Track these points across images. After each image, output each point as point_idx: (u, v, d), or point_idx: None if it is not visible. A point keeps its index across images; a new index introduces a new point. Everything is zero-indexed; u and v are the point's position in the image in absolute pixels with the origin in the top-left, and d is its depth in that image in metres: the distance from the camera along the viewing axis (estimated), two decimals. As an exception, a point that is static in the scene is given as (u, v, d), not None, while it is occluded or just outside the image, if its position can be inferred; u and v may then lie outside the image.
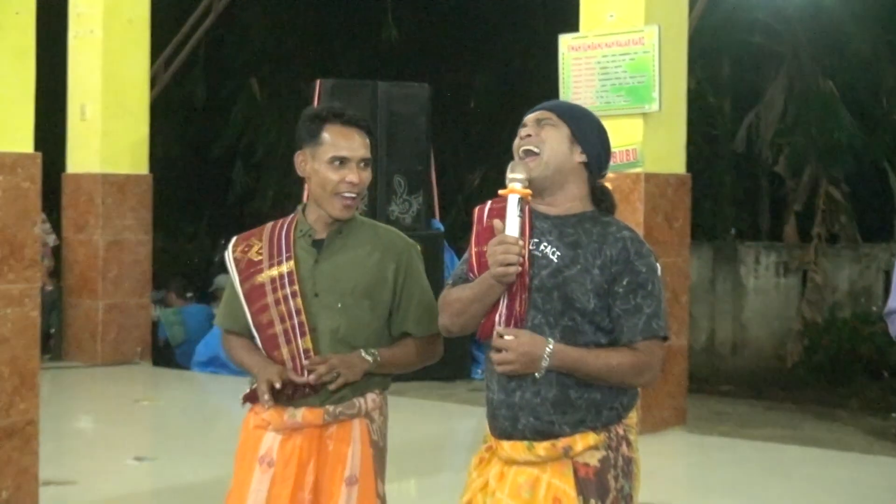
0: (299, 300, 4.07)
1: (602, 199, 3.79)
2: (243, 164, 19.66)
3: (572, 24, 10.08)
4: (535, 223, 3.66)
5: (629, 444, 3.69)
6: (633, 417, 3.75)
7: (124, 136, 13.37)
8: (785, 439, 9.96)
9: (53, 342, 13.44)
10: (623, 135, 9.51)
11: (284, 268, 4.12)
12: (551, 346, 3.53)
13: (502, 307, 3.60)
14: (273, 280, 4.12)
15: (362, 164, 4.11)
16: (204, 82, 19.84)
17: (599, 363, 3.55)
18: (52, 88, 11.40)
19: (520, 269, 3.53)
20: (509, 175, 3.59)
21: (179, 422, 10.56)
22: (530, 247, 3.62)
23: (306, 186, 4.23)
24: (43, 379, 6.82)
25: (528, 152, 3.69)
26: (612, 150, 9.56)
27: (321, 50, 19.39)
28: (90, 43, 13.29)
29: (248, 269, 4.19)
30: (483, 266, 3.64)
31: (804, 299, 15.15)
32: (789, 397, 13.41)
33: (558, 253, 3.61)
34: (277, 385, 3.99)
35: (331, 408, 4.05)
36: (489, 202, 3.81)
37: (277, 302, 4.10)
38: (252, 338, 4.20)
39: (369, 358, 4.08)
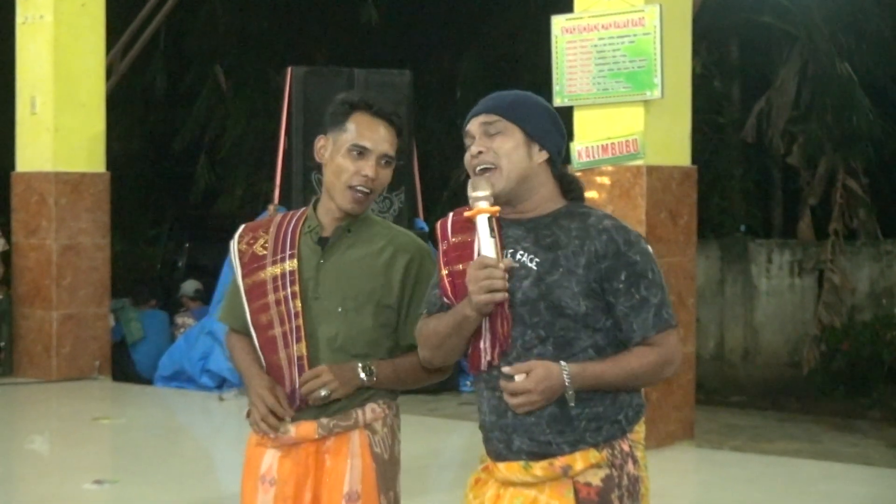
0: (298, 302, 4.09)
1: (570, 189, 3.77)
2: (208, 159, 19.67)
3: (566, 4, 10.09)
4: (506, 232, 3.67)
5: (635, 461, 3.69)
6: (639, 432, 3.75)
7: (78, 132, 13.35)
8: (801, 453, 10.00)
9: (3, 356, 13.39)
10: (623, 124, 9.53)
11: (287, 266, 4.13)
12: (568, 371, 3.52)
13: (485, 332, 3.61)
14: (275, 278, 4.14)
15: (384, 161, 4.12)
16: (164, 71, 19.86)
17: (622, 372, 3.58)
18: (-1, 80, 11.40)
19: (506, 294, 3.54)
20: (472, 194, 3.59)
21: (142, 441, 10.55)
22: (507, 258, 3.61)
23: (324, 175, 4.22)
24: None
25: (485, 170, 3.67)
26: (612, 140, 9.58)
27: (292, 34, 19.40)
28: (40, 29, 13.26)
29: (252, 264, 4.21)
30: (458, 288, 3.66)
31: (821, 301, 15.21)
32: (805, 408, 13.46)
33: (536, 259, 3.60)
34: (269, 405, 4.04)
35: (325, 420, 4.07)
36: (450, 215, 3.82)
37: (278, 302, 4.12)
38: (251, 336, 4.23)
39: (363, 375, 4.08)
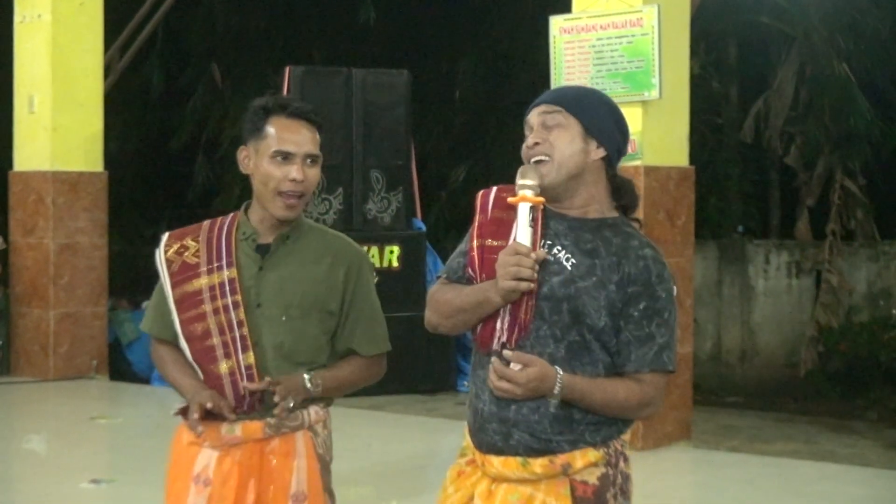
0: (241, 311, 4.05)
1: (622, 195, 3.73)
2: (206, 158, 19.66)
3: (564, 4, 10.10)
4: (549, 223, 3.64)
5: (626, 459, 3.70)
6: (628, 433, 3.75)
7: (76, 131, 13.35)
8: (798, 454, 10.00)
9: (1, 355, 13.39)
10: (620, 124, 9.53)
11: (225, 274, 4.08)
12: (561, 381, 3.52)
13: (505, 314, 3.58)
14: (212, 287, 4.08)
15: (309, 161, 4.07)
16: (162, 70, 19.85)
17: (606, 396, 3.55)
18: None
19: (532, 285, 3.52)
20: (519, 181, 3.56)
21: (139, 441, 10.54)
22: (541, 247, 3.59)
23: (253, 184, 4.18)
24: (-10, 395, 6.82)
25: (539, 161, 3.63)
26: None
27: (290, 33, 19.40)
28: (38, 28, 13.26)
29: (182, 273, 4.14)
30: (486, 263, 3.64)
31: (818, 302, 15.23)
32: (803, 408, 13.48)
33: (573, 260, 3.58)
34: (209, 405, 3.95)
35: (271, 420, 4.03)
36: (494, 188, 3.78)
37: (216, 311, 4.06)
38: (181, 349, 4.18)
39: (310, 387, 4.05)
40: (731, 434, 10.82)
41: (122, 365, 14.11)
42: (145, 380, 13.69)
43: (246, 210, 4.20)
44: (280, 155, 4.02)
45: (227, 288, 4.06)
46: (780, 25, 16.55)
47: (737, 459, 9.79)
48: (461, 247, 3.79)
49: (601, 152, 3.66)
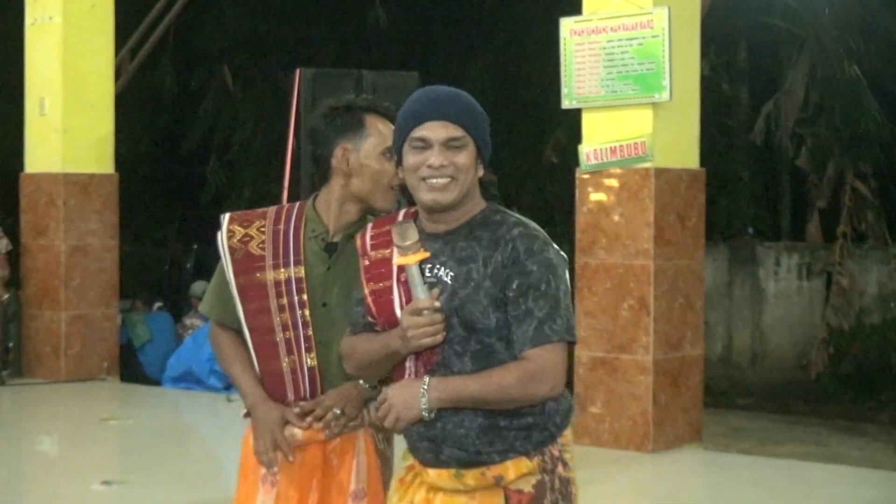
0: (307, 311, 4.07)
1: (486, 187, 3.71)
2: (217, 160, 19.69)
3: (574, 6, 10.10)
4: (424, 247, 3.61)
5: (565, 464, 3.65)
6: (567, 435, 3.69)
7: (87, 132, 13.36)
8: (809, 456, 9.99)
9: (12, 357, 13.40)
10: (631, 127, 9.54)
11: (292, 272, 4.09)
12: (426, 383, 3.52)
13: (411, 355, 3.62)
14: (278, 283, 4.09)
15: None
16: (173, 72, 19.87)
17: (482, 386, 3.50)
18: (8, 80, 11.41)
19: (443, 336, 3.52)
20: (401, 243, 3.55)
21: (150, 442, 10.56)
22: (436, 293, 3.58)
23: (333, 182, 4.15)
24: (1, 397, 6.83)
25: (441, 183, 3.57)
26: (620, 143, 9.56)
27: (300, 36, 19.41)
28: (49, 30, 13.27)
29: (246, 263, 4.14)
30: (381, 307, 3.64)
31: (829, 304, 15.20)
32: (813, 411, 13.46)
33: (452, 273, 3.57)
34: (278, 439, 4.05)
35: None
36: (368, 228, 3.78)
37: (282, 309, 4.08)
38: (240, 333, 4.19)
39: (366, 385, 4.07)
40: (741, 436, 10.82)
41: (134, 367, 14.13)
42: (156, 382, 13.71)
43: (314, 207, 4.19)
44: (390, 153, 4.01)
45: (294, 286, 4.08)
46: (790, 27, 16.54)
47: (747, 461, 9.78)
48: (355, 295, 3.78)
49: (482, 171, 3.65)
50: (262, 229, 4.17)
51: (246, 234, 4.18)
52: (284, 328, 4.08)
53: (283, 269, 4.10)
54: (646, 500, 3.79)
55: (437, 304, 3.50)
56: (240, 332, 4.20)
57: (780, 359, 15.72)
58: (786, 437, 10.94)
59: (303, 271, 4.09)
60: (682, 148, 9.85)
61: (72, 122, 13.21)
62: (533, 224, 3.65)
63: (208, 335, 4.40)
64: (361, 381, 4.05)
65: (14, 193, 13.36)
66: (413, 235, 3.53)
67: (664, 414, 9.56)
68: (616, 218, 9.59)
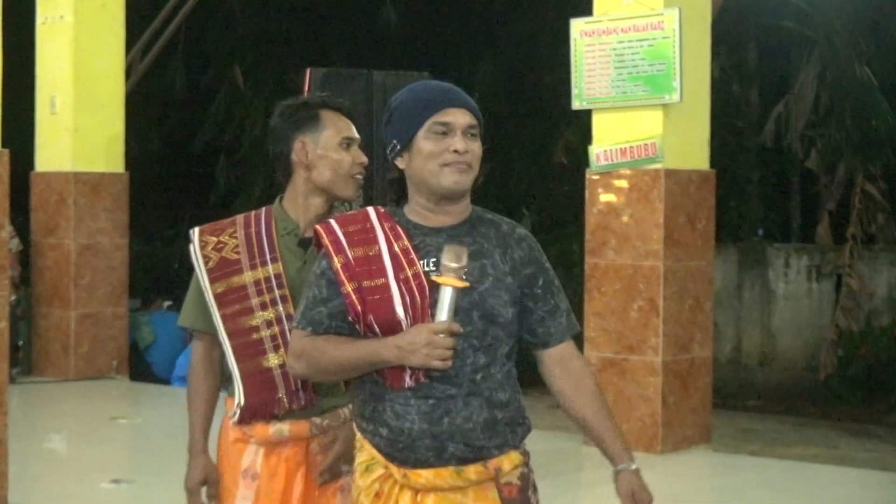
0: (290, 305, 4.11)
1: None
2: (227, 159, 19.71)
3: (585, 7, 10.10)
4: (424, 240, 3.61)
5: (529, 456, 3.77)
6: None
7: (97, 131, 13.38)
8: (818, 458, 9.99)
9: (22, 355, 13.43)
10: (641, 128, 9.54)
11: (270, 269, 4.16)
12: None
13: None
14: (258, 282, 4.16)
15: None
16: (183, 72, 19.89)
17: (613, 416, 3.82)
18: (19, 79, 11.40)
19: (451, 363, 3.48)
20: (449, 265, 3.47)
21: (159, 441, 10.56)
22: (426, 269, 3.56)
23: (295, 177, 4.24)
24: (10, 395, 6.83)
25: (463, 170, 3.59)
26: (630, 144, 9.57)
27: (310, 36, 19.42)
28: (60, 29, 13.30)
29: (223, 268, 4.20)
30: (369, 305, 3.55)
31: (838, 306, 15.18)
32: (823, 413, 13.45)
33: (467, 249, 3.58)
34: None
35: (317, 420, 4.14)
36: (333, 224, 3.70)
37: (264, 306, 4.14)
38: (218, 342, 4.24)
39: None
40: (750, 438, 10.81)
41: (143, 366, 14.15)
42: (165, 380, 13.72)
43: (281, 205, 4.28)
44: (346, 141, 4.24)
45: (274, 282, 4.15)
46: (801, 29, 16.52)
47: (756, 463, 9.78)
48: (314, 294, 3.67)
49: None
50: (234, 235, 4.24)
51: (219, 242, 4.24)
52: (269, 325, 4.14)
53: (260, 269, 4.17)
54: (654, 500, 3.79)
55: (461, 330, 3.49)
56: (216, 342, 4.24)
57: (790, 360, 15.70)
58: (795, 438, 10.93)
59: (280, 267, 4.16)
60: (692, 149, 9.85)
61: (82, 121, 13.23)
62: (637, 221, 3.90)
63: (191, 351, 4.44)
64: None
65: (24, 192, 13.38)
66: (465, 260, 3.48)
67: (673, 415, 9.56)
68: (626, 219, 9.60)
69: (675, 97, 9.44)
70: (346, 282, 3.59)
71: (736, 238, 16.53)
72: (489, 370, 3.58)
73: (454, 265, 3.45)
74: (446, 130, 3.59)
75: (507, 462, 3.62)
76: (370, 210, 3.73)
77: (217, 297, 4.19)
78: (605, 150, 9.67)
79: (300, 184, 4.23)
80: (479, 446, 3.58)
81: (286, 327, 4.09)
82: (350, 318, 3.60)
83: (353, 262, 3.61)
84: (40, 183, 13.46)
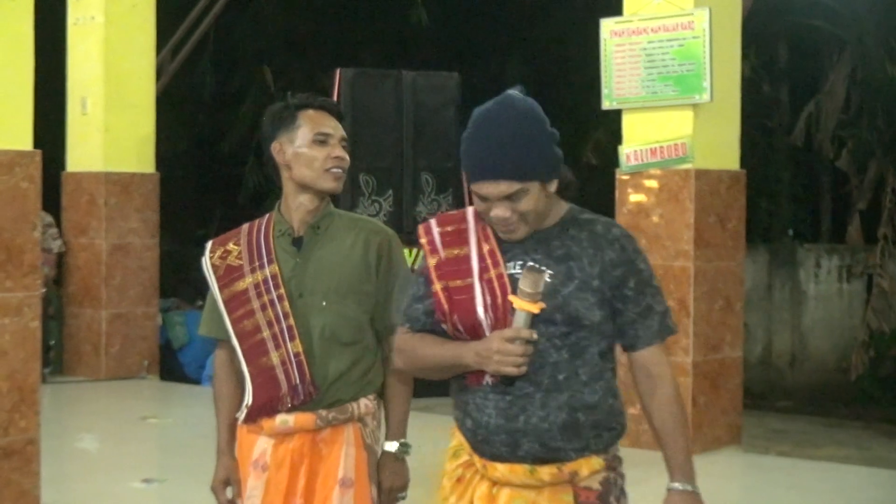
0: (286, 303, 4.27)
1: (567, 190, 3.75)
2: (256, 160, 19.72)
3: (615, 7, 10.09)
4: (512, 245, 3.65)
5: (621, 461, 3.75)
6: (622, 436, 3.79)
7: (128, 132, 13.43)
8: (849, 460, 9.94)
9: (53, 355, 13.48)
10: (671, 128, 9.52)
11: (267, 271, 4.31)
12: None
13: None
14: (257, 285, 4.30)
15: (344, 144, 4.38)
16: (213, 72, 19.93)
17: (687, 435, 3.74)
18: (50, 80, 11.46)
19: (525, 369, 3.53)
20: (524, 289, 3.50)
21: (190, 441, 10.58)
22: (512, 270, 3.61)
23: (283, 178, 4.39)
24: (42, 394, 6.87)
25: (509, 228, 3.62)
26: (660, 144, 9.55)
27: (340, 36, 19.44)
28: (91, 30, 13.35)
29: (228, 275, 4.37)
30: (455, 304, 3.62)
31: (869, 306, 15.13)
32: (854, 413, 13.40)
33: (549, 271, 3.60)
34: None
35: (323, 412, 4.26)
36: (433, 224, 3.79)
37: (264, 307, 4.29)
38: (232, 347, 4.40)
39: (405, 452, 4.41)
40: (780, 438, 10.78)
41: (173, 365, 14.18)
42: (196, 381, 13.75)
43: (279, 209, 4.42)
44: (321, 136, 4.32)
45: (271, 283, 4.29)
46: (831, 28, 16.47)
47: (787, 464, 9.75)
48: (414, 292, 3.78)
49: (555, 183, 3.66)
50: (238, 242, 4.43)
51: (224, 251, 4.44)
52: (269, 324, 4.27)
53: (259, 272, 4.32)
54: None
55: (535, 336, 3.52)
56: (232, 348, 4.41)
57: (820, 361, 15.65)
58: (825, 439, 10.89)
59: (276, 268, 4.30)
60: (722, 149, 9.83)
61: (113, 122, 13.28)
62: (615, 222, 3.77)
63: (214, 360, 4.63)
64: (393, 450, 4.36)
65: (56, 192, 13.43)
66: (542, 286, 3.52)
67: (703, 416, 9.54)
68: (656, 219, 9.58)
69: (706, 97, 9.42)
70: (435, 281, 3.69)
71: (766, 238, 16.50)
72: (574, 371, 3.61)
73: (529, 291, 3.50)
74: (485, 199, 3.59)
75: (586, 467, 3.62)
76: (469, 210, 3.78)
77: (226, 303, 4.36)
78: (635, 151, 9.66)
79: (287, 184, 4.38)
80: (555, 448, 3.60)
81: (283, 326, 4.25)
82: (438, 317, 3.68)
83: (444, 262, 3.70)
84: (71, 183, 13.51)
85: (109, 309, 13.24)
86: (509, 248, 3.64)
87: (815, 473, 9.42)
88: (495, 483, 3.66)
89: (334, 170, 4.29)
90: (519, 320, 3.51)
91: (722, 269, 9.67)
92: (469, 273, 3.65)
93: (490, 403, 3.62)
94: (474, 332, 3.59)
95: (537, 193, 3.58)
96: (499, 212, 3.57)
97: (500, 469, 3.63)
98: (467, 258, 3.67)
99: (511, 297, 3.54)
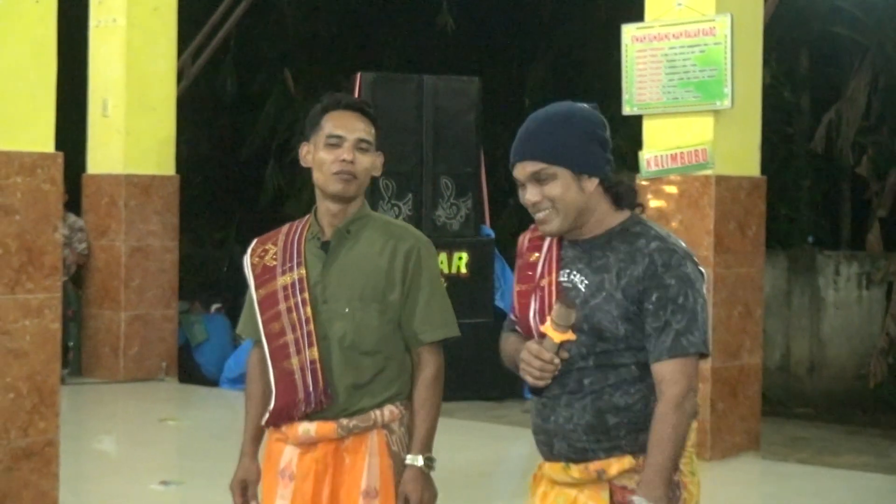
0: (309, 309, 4.23)
1: (623, 198, 3.79)
2: (277, 163, 19.75)
3: (636, 13, 10.07)
4: (564, 253, 3.79)
5: (677, 468, 3.69)
6: (688, 439, 3.75)
7: (149, 134, 13.46)
8: (868, 467, 9.91)
9: (72, 356, 13.49)
10: (692, 133, 9.51)
11: (295, 274, 4.27)
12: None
13: None
14: (285, 287, 4.28)
15: (362, 146, 4.27)
16: (234, 75, 19.93)
17: (667, 454, 3.60)
18: (72, 82, 11.48)
19: (549, 382, 3.71)
20: (557, 321, 3.65)
21: (208, 443, 10.61)
22: (560, 277, 3.75)
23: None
24: (61, 396, 6.88)
25: (542, 217, 3.73)
26: (681, 149, 9.51)
27: (361, 40, 19.46)
28: (113, 32, 13.38)
29: (264, 276, 4.35)
30: (521, 308, 3.82)
31: (889, 314, 15.07)
32: (873, 421, 13.36)
33: (586, 281, 3.71)
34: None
35: (344, 421, 4.21)
36: (529, 231, 3.92)
37: (289, 310, 4.25)
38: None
39: (431, 467, 4.27)
40: (800, 446, 10.75)
41: (192, 367, 14.21)
42: (214, 382, 13.77)
43: (315, 212, 4.37)
44: (333, 138, 4.24)
45: (297, 287, 4.25)
46: (853, 35, 16.42)
47: (806, 471, 9.73)
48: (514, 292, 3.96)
49: (594, 181, 3.71)
50: (276, 243, 4.39)
51: (263, 250, 4.41)
52: (293, 328, 4.24)
53: (289, 274, 4.29)
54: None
55: (557, 361, 3.67)
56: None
57: (839, 368, 15.60)
58: (844, 446, 10.86)
59: (304, 272, 4.26)
60: (742, 155, 9.81)
61: (134, 124, 13.31)
62: (673, 238, 3.77)
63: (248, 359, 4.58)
64: (419, 464, 4.21)
65: (76, 194, 13.46)
66: (568, 320, 3.63)
67: (722, 422, 9.52)
68: (675, 225, 9.57)
69: (727, 103, 9.40)
70: (515, 283, 3.90)
71: (786, 245, 16.45)
72: (603, 376, 3.69)
73: (560, 322, 3.63)
74: (521, 184, 3.74)
75: (616, 465, 3.67)
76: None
77: (260, 303, 4.33)
78: (656, 156, 9.65)
79: (316, 188, 4.34)
80: (582, 448, 3.70)
81: (304, 331, 4.21)
82: (513, 318, 3.89)
83: (523, 265, 3.87)
84: (92, 185, 13.54)
85: (128, 311, 13.26)
86: (564, 256, 3.77)
87: (834, 481, 9.40)
88: (549, 481, 3.82)
89: (339, 173, 4.22)
90: (546, 342, 3.66)
91: (741, 276, 9.65)
92: (533, 278, 3.81)
93: (534, 406, 3.85)
94: (530, 335, 3.78)
95: (568, 182, 3.66)
96: (529, 195, 3.70)
97: (546, 467, 3.81)
98: (535, 264, 3.82)
99: (542, 327, 3.70)
